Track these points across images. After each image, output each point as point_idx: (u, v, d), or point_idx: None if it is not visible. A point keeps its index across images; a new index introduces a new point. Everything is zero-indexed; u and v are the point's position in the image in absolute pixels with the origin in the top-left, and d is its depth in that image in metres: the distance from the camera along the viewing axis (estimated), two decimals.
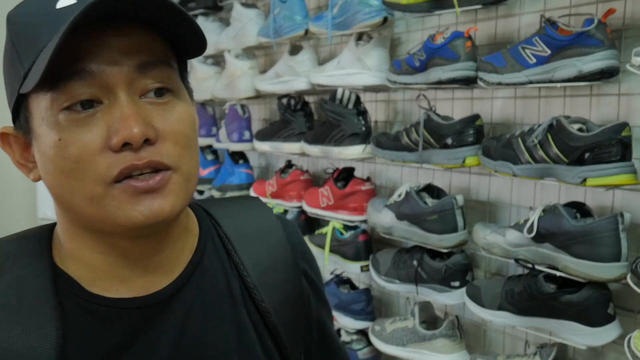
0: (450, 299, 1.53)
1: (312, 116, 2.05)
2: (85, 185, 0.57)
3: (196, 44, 0.62)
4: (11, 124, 0.65)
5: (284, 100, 2.04)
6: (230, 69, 2.23)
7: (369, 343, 1.80)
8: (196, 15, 2.46)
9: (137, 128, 0.56)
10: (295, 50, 2.03)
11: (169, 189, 0.59)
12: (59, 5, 0.58)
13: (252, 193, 2.25)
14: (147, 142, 0.57)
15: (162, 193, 0.58)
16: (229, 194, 2.35)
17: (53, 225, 0.68)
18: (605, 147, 1.14)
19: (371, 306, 1.85)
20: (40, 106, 0.58)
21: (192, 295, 0.67)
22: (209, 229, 0.73)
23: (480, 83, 1.39)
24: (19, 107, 0.61)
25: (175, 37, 0.61)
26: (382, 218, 1.66)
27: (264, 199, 2.15)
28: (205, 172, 2.51)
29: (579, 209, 1.27)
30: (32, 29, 0.58)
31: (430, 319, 1.64)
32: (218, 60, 2.49)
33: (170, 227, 0.65)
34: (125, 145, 0.56)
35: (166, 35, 0.61)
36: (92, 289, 0.63)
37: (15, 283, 0.62)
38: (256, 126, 2.42)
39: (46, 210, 2.82)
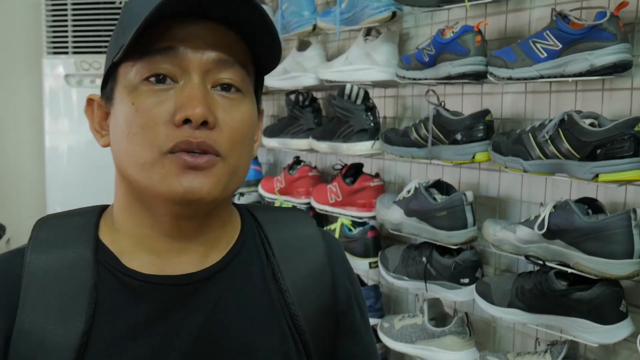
0: (459, 296, 1.52)
1: (321, 112, 2.04)
2: (142, 150, 0.63)
3: (272, 53, 0.68)
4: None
5: (292, 96, 2.04)
6: None
7: (378, 340, 1.79)
8: None
9: (199, 109, 0.61)
10: (303, 46, 2.02)
11: (213, 172, 0.63)
12: None
13: (260, 190, 2.25)
14: (206, 125, 0.62)
15: (206, 173, 0.63)
16: (237, 190, 2.34)
17: (106, 205, 0.74)
18: (618, 142, 1.13)
19: (380, 303, 1.84)
20: (126, 76, 0.65)
21: (225, 283, 0.70)
22: (250, 228, 0.76)
23: (490, 78, 1.38)
24: (109, 77, 0.68)
25: (257, 46, 0.67)
26: (391, 214, 1.65)
27: (272, 195, 2.15)
28: None
29: (591, 205, 1.26)
30: (139, 9, 0.63)
31: (439, 316, 1.63)
32: None
33: (209, 216, 0.69)
34: (186, 123, 0.62)
35: (250, 46, 0.67)
36: (129, 264, 0.67)
37: (61, 254, 0.66)
38: (264, 122, 2.41)
39: (55, 207, 2.83)
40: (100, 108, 0.70)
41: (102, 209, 0.74)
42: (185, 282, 0.68)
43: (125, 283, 0.66)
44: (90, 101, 0.72)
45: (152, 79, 0.63)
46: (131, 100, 0.64)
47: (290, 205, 2.09)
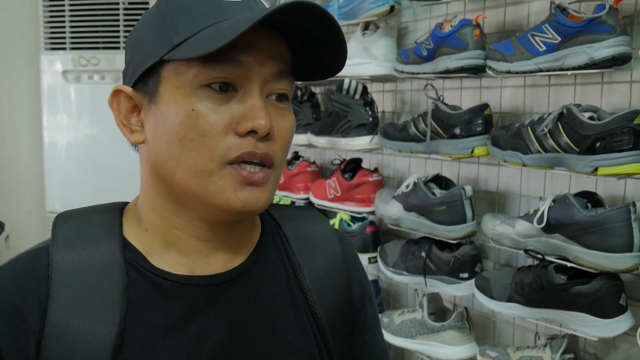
0: (459, 291, 1.52)
1: (319, 107, 2.04)
2: (200, 158, 0.62)
3: (338, 62, 0.68)
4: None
5: None
6: None
7: None
8: None
9: (264, 120, 0.62)
10: None
11: (268, 185, 0.65)
12: None
13: None
14: (267, 136, 0.63)
15: (262, 187, 0.64)
16: None
17: (125, 203, 0.73)
18: (617, 135, 1.12)
19: (379, 298, 1.84)
20: (180, 76, 0.63)
21: (251, 283, 0.70)
22: (270, 227, 0.76)
23: (489, 72, 1.37)
24: (149, 72, 0.65)
25: (325, 56, 0.67)
26: (390, 209, 1.65)
27: None
28: None
29: (590, 198, 1.25)
30: (193, 8, 0.63)
31: (438, 311, 1.63)
32: None
33: (242, 220, 0.70)
34: (250, 133, 0.62)
35: (295, 53, 0.67)
36: (157, 264, 0.67)
37: (88, 253, 0.65)
38: None
39: (54, 204, 2.83)
40: (128, 100, 0.67)
41: (122, 206, 0.72)
42: (214, 282, 0.67)
43: (156, 283, 0.66)
44: (116, 92, 0.68)
45: (214, 85, 0.62)
46: (190, 105, 0.62)
47: (289, 201, 2.08)
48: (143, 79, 0.66)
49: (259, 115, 0.61)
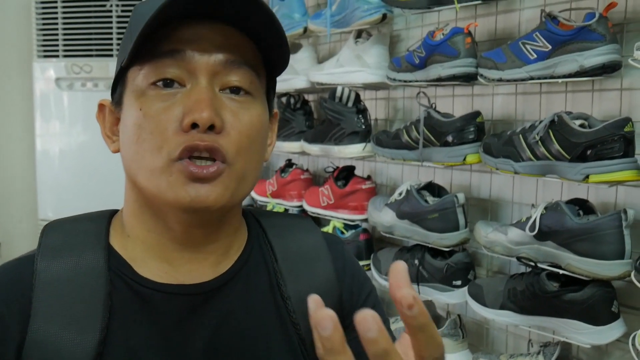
0: (452, 298, 1.52)
1: (312, 115, 2.04)
2: (152, 157, 0.62)
3: (280, 53, 0.67)
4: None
5: (284, 99, 2.03)
6: None
7: None
8: None
9: (206, 112, 0.60)
10: (294, 48, 2.01)
11: (220, 180, 0.62)
12: None
13: (252, 193, 2.24)
14: (213, 129, 0.61)
15: (213, 183, 0.62)
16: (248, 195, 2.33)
17: (114, 211, 0.73)
18: (608, 143, 1.13)
19: None
20: (134, 80, 0.64)
21: (235, 292, 0.69)
22: (257, 235, 0.75)
23: (480, 79, 1.38)
24: (118, 82, 0.67)
25: (267, 47, 0.66)
26: (383, 217, 1.65)
27: (264, 198, 2.14)
28: None
29: (582, 206, 1.26)
30: (147, 12, 0.62)
31: (432, 318, 1.63)
32: None
33: (220, 223, 0.68)
34: (194, 127, 0.61)
35: (261, 47, 0.66)
36: (141, 272, 0.66)
37: (73, 261, 0.65)
38: None
39: (47, 211, 2.81)
40: (111, 113, 0.69)
41: (112, 214, 0.72)
42: (197, 291, 0.67)
43: (139, 292, 0.65)
44: (101, 106, 0.71)
45: (160, 83, 0.62)
46: (139, 106, 0.63)
47: (282, 208, 2.08)
48: (115, 91, 0.68)
49: (199, 108, 0.60)
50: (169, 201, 0.62)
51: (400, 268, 0.40)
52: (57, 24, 2.73)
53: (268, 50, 0.67)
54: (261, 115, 0.67)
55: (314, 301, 0.40)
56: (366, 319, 0.37)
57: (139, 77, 0.63)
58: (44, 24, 2.75)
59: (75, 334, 0.61)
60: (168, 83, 0.62)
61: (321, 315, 0.37)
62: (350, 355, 0.38)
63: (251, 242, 0.74)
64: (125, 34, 0.67)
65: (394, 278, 0.40)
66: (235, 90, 0.64)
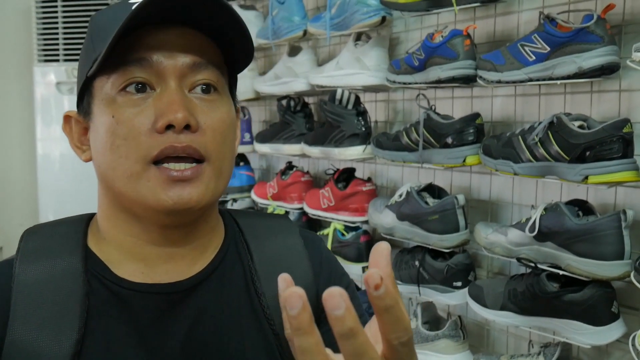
0: (452, 299, 1.52)
1: (312, 117, 2.05)
2: (127, 163, 0.63)
3: (245, 50, 0.69)
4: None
5: (284, 102, 2.04)
6: None
7: None
8: None
9: (180, 113, 0.61)
10: (294, 51, 2.02)
11: (201, 180, 0.64)
12: (131, 0, 0.65)
13: (253, 195, 2.25)
14: (188, 129, 0.62)
15: (194, 183, 0.63)
16: (230, 197, 2.34)
17: (93, 214, 0.74)
18: (607, 144, 1.13)
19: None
20: (102, 89, 0.65)
21: (210, 290, 0.70)
22: (233, 234, 0.76)
23: (479, 81, 1.38)
24: (84, 92, 0.68)
25: (227, 45, 0.68)
26: (383, 219, 1.66)
27: (265, 201, 2.15)
28: None
29: (581, 206, 1.26)
30: (108, 22, 0.64)
31: (432, 320, 1.63)
32: None
33: (197, 222, 0.69)
34: (169, 129, 0.62)
35: (221, 46, 0.68)
36: (118, 272, 0.67)
37: (50, 264, 0.66)
38: (256, 128, 2.41)
39: (48, 215, 2.82)
40: (78, 124, 0.70)
41: (90, 217, 0.73)
42: (173, 290, 0.68)
43: (116, 292, 0.66)
44: (67, 118, 0.71)
45: (130, 88, 0.63)
46: (111, 113, 0.63)
47: (283, 211, 2.09)
48: (82, 101, 0.69)
49: (173, 109, 0.61)
50: (151, 205, 0.63)
51: (381, 249, 0.40)
52: (57, 28, 2.74)
53: (231, 48, 0.68)
54: (230, 112, 0.69)
55: (284, 280, 0.40)
56: (333, 295, 0.36)
57: (107, 85, 0.64)
58: (44, 29, 2.76)
59: (53, 334, 0.62)
60: (139, 88, 0.63)
61: (289, 293, 0.37)
62: (318, 337, 0.38)
63: (227, 241, 0.74)
64: (86, 44, 0.68)
65: (373, 258, 0.39)
66: (205, 89, 0.66)
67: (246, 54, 0.69)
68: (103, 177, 0.67)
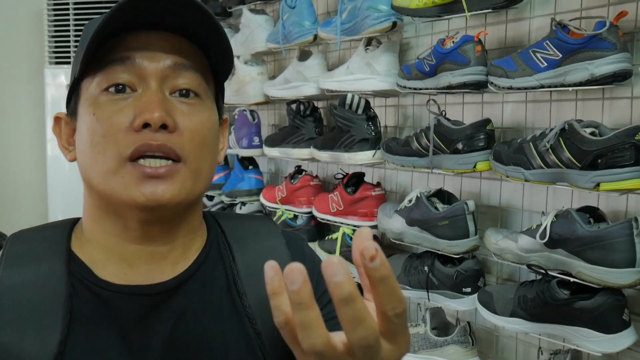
0: (462, 305, 1.52)
1: (322, 122, 2.05)
2: (104, 159, 0.64)
3: (224, 60, 0.70)
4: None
5: (294, 106, 2.04)
6: (240, 75, 2.24)
7: None
8: None
9: (157, 112, 0.63)
10: (304, 55, 2.03)
11: (175, 178, 0.64)
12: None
13: (262, 199, 2.25)
14: (166, 128, 0.64)
15: (168, 181, 0.64)
16: (238, 200, 2.35)
17: (77, 218, 0.75)
18: (619, 151, 1.13)
19: None
20: (87, 89, 0.66)
21: (192, 291, 0.71)
22: (216, 235, 0.77)
23: (490, 87, 1.38)
24: (72, 93, 0.70)
25: (208, 49, 0.69)
26: (393, 223, 1.66)
27: (273, 205, 2.15)
28: (215, 178, 2.51)
29: (592, 213, 1.26)
30: (94, 26, 0.65)
31: (441, 326, 1.63)
32: None
33: (178, 221, 0.70)
34: (146, 127, 0.63)
35: (205, 51, 0.69)
36: (100, 274, 0.68)
37: (34, 267, 0.67)
38: (266, 132, 2.42)
39: (57, 216, 2.82)
40: (67, 125, 0.72)
41: (74, 221, 0.75)
42: (155, 291, 0.69)
43: (98, 294, 0.67)
44: (57, 119, 0.73)
45: (112, 88, 0.65)
46: (92, 111, 0.65)
47: (291, 215, 2.09)
48: (70, 102, 0.71)
49: (150, 108, 0.63)
50: (125, 201, 0.64)
51: (365, 232, 0.41)
52: (68, 31, 2.76)
53: (214, 57, 0.70)
54: (211, 117, 0.70)
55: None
56: (333, 263, 0.37)
57: (92, 85, 0.66)
58: (55, 31, 2.78)
59: (36, 336, 0.63)
60: (120, 89, 0.65)
61: (290, 268, 0.38)
62: (318, 311, 0.39)
63: (210, 243, 0.75)
64: (78, 48, 0.69)
65: (358, 239, 0.40)
66: (185, 93, 0.67)
67: (226, 58, 0.70)
68: (84, 177, 0.69)
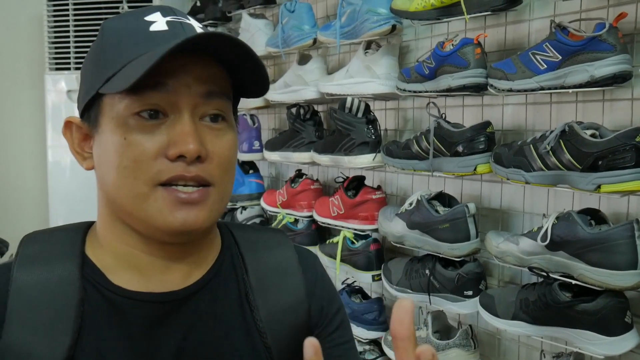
0: (463, 308, 1.51)
1: (322, 125, 2.05)
2: (134, 183, 0.64)
3: (259, 86, 0.70)
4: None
5: (294, 110, 2.04)
6: None
7: (382, 353, 1.78)
8: (205, 27, 2.47)
9: (193, 145, 0.63)
10: (304, 59, 2.03)
11: (207, 203, 0.66)
12: (152, 29, 0.66)
13: (262, 203, 2.25)
14: (198, 159, 0.64)
15: (200, 206, 0.65)
16: (239, 204, 2.35)
17: (91, 222, 0.75)
18: (619, 152, 1.13)
19: (384, 316, 1.83)
20: (114, 107, 0.65)
21: (204, 301, 0.71)
22: (230, 247, 0.78)
23: (490, 90, 1.38)
24: (92, 103, 0.68)
25: (239, 74, 0.69)
26: (394, 227, 1.65)
27: (274, 209, 2.15)
28: None
29: (594, 215, 1.25)
30: (123, 41, 0.66)
31: (443, 329, 1.62)
32: None
33: (198, 240, 0.71)
34: (180, 157, 0.64)
35: (232, 72, 0.69)
36: (114, 280, 0.69)
37: (47, 270, 0.67)
38: (266, 136, 2.42)
39: (58, 222, 2.82)
40: (79, 130, 0.71)
41: (89, 225, 0.75)
42: (168, 299, 0.69)
43: (110, 299, 0.68)
44: (68, 123, 0.73)
45: (144, 113, 0.64)
46: (123, 134, 0.64)
47: (292, 218, 2.09)
48: (88, 110, 0.69)
49: (187, 140, 0.63)
50: (158, 226, 0.65)
51: (405, 305, 0.41)
52: (68, 37, 2.76)
53: (246, 80, 0.70)
54: (235, 139, 0.71)
55: (311, 345, 0.42)
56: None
57: (120, 105, 0.65)
58: (55, 37, 2.78)
59: (46, 339, 0.63)
60: (152, 114, 0.64)
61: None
62: None
63: (223, 254, 0.76)
64: (96, 54, 0.68)
65: (397, 315, 0.41)
66: (213, 118, 0.68)
67: (261, 86, 0.70)
68: (106, 191, 0.69)
